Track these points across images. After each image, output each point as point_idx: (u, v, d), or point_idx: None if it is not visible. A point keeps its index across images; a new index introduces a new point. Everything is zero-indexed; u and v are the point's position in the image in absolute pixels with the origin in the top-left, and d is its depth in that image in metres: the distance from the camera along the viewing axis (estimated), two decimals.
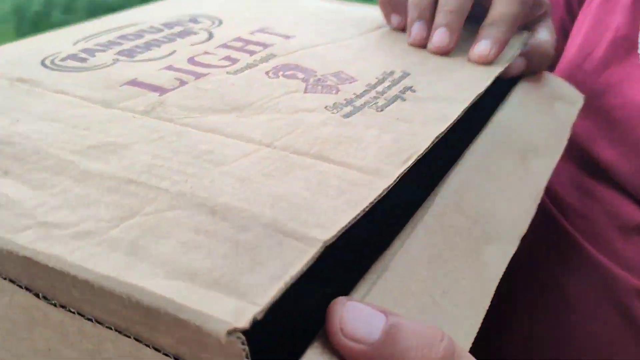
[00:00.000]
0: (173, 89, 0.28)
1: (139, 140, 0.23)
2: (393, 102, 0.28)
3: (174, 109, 0.26)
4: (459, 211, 0.25)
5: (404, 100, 0.28)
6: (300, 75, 0.30)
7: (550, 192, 0.43)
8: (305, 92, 0.28)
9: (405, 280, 0.21)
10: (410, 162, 0.22)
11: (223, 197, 0.19)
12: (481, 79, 0.31)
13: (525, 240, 0.47)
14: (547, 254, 0.42)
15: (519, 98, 0.34)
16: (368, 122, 0.25)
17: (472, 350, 0.20)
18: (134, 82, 0.28)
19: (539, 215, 0.45)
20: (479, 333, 0.21)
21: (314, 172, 0.21)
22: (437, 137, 0.24)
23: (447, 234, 0.24)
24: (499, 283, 0.23)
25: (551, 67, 0.45)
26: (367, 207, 0.20)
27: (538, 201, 0.28)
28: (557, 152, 0.31)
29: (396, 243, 0.22)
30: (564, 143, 0.32)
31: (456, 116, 0.26)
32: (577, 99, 0.36)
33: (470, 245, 0.24)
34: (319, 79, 0.30)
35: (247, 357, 0.16)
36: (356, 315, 0.18)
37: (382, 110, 0.27)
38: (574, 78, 0.42)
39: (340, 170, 0.21)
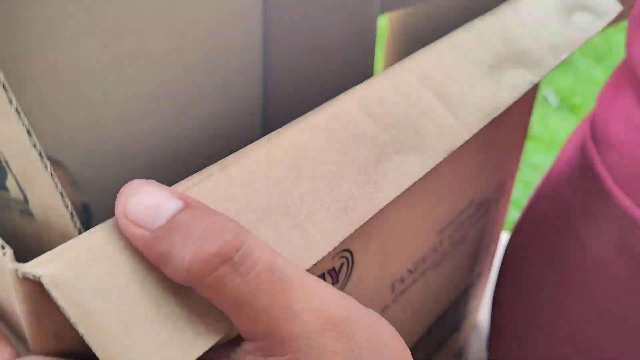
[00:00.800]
0: None
1: None
2: None
3: None
4: (367, 115, 0.21)
5: None
6: None
7: (598, 127, 0.37)
8: None
9: (252, 179, 0.18)
10: None
11: None
12: None
13: (555, 181, 0.42)
14: (573, 194, 0.38)
15: (520, 4, 0.28)
16: None
17: None
18: None
19: (577, 152, 0.40)
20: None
21: None
22: None
23: (339, 136, 0.20)
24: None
25: None
26: None
27: (492, 116, 0.23)
28: (546, 67, 0.26)
29: (263, 139, 0.20)
30: (560, 58, 0.27)
31: None
32: (609, 9, 0.30)
33: (370, 151, 0.21)
34: None
35: None
36: (145, 198, 0.16)
37: None
38: None
39: None
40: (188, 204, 0.16)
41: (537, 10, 0.28)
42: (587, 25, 0.29)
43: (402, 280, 0.33)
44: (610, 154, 0.36)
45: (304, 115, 0.21)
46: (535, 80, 0.25)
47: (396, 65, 0.23)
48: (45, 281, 0.15)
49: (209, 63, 0.22)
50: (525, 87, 0.25)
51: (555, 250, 0.40)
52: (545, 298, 0.41)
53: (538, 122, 1.61)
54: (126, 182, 0.21)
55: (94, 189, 0.20)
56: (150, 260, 0.16)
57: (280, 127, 0.23)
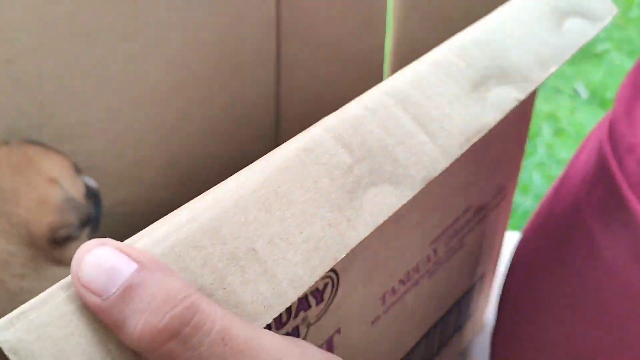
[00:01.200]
0: None
1: None
2: None
3: None
4: (342, 145, 0.21)
5: None
6: None
7: (615, 128, 0.36)
8: None
9: (219, 224, 0.18)
10: None
11: None
12: None
13: (571, 182, 0.41)
14: (588, 198, 0.37)
15: (509, 11, 0.27)
16: None
17: None
18: None
19: (594, 154, 0.38)
20: None
21: None
22: None
23: (311, 171, 0.20)
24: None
25: None
26: None
27: (474, 140, 0.23)
28: (534, 81, 0.25)
29: (233, 177, 0.19)
30: (549, 72, 0.26)
31: None
32: (604, 14, 0.29)
33: (345, 186, 0.20)
34: None
35: None
36: (99, 262, 0.16)
37: None
38: None
39: None
40: (143, 266, 0.16)
41: (527, 18, 0.27)
42: (579, 32, 0.28)
43: (393, 291, 0.32)
44: (626, 158, 0.34)
45: (273, 150, 0.20)
46: (521, 97, 0.24)
47: (375, 87, 0.23)
48: (5, 347, 0.14)
49: (223, 57, 0.22)
50: (510, 105, 0.24)
51: (568, 254, 0.39)
52: (554, 301, 0.40)
53: (567, 116, 1.56)
54: (139, 172, 0.21)
55: (107, 177, 0.20)
56: (106, 325, 0.16)
57: (293, 121, 0.23)
